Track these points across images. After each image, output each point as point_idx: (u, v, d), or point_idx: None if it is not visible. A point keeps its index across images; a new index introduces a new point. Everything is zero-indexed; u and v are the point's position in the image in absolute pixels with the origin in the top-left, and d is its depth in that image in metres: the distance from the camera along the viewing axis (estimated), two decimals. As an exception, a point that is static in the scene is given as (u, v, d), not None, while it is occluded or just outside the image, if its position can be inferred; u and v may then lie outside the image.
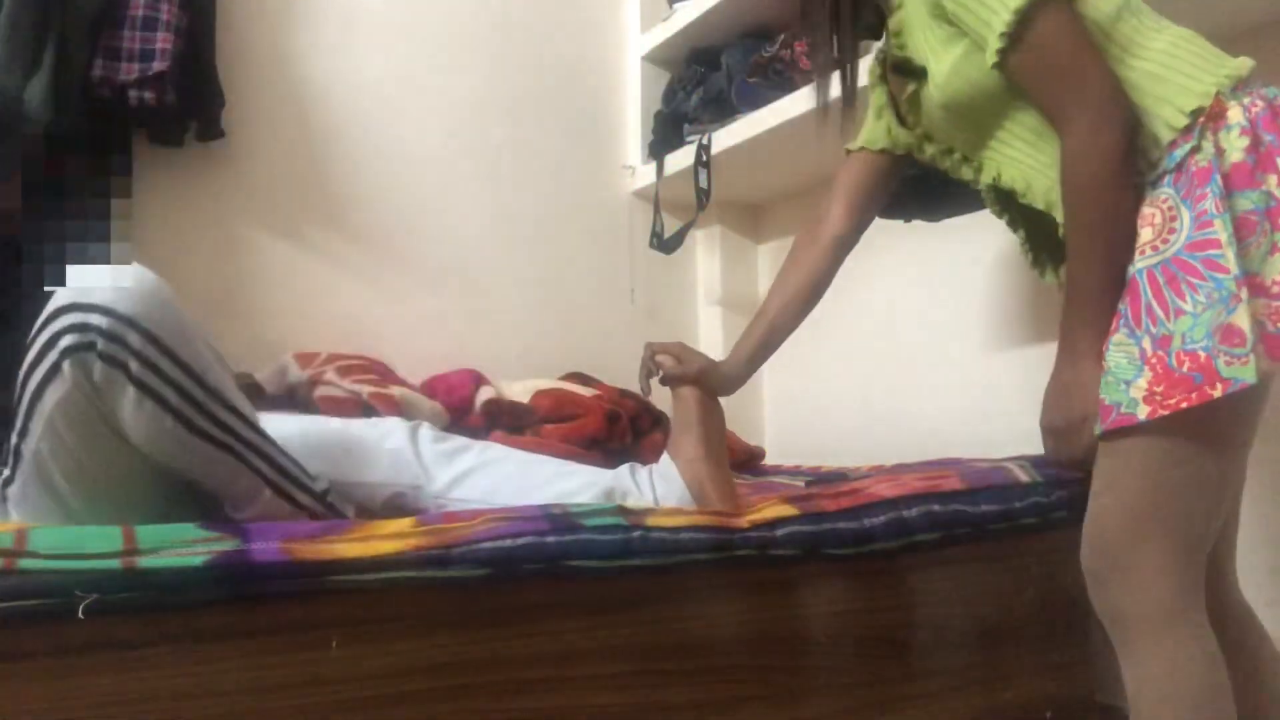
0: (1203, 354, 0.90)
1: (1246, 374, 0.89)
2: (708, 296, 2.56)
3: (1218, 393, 0.89)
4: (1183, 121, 0.97)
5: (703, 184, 2.15)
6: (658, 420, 1.98)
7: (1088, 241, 1.00)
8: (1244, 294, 0.90)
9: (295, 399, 1.76)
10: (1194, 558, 0.95)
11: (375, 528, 0.99)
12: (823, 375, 2.29)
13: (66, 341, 0.93)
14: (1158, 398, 0.91)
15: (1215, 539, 1.05)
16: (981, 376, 1.90)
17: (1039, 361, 1.57)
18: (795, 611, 1.18)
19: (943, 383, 1.99)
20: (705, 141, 2.14)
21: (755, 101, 2.05)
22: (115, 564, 0.86)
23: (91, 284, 0.95)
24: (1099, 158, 0.97)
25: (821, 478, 1.70)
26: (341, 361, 1.82)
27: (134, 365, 0.94)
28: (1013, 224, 1.20)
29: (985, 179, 1.16)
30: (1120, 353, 0.95)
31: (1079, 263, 1.01)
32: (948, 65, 1.08)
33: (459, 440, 1.30)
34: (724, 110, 2.17)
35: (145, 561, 0.87)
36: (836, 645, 1.20)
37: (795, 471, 1.93)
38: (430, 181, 2.25)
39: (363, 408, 1.70)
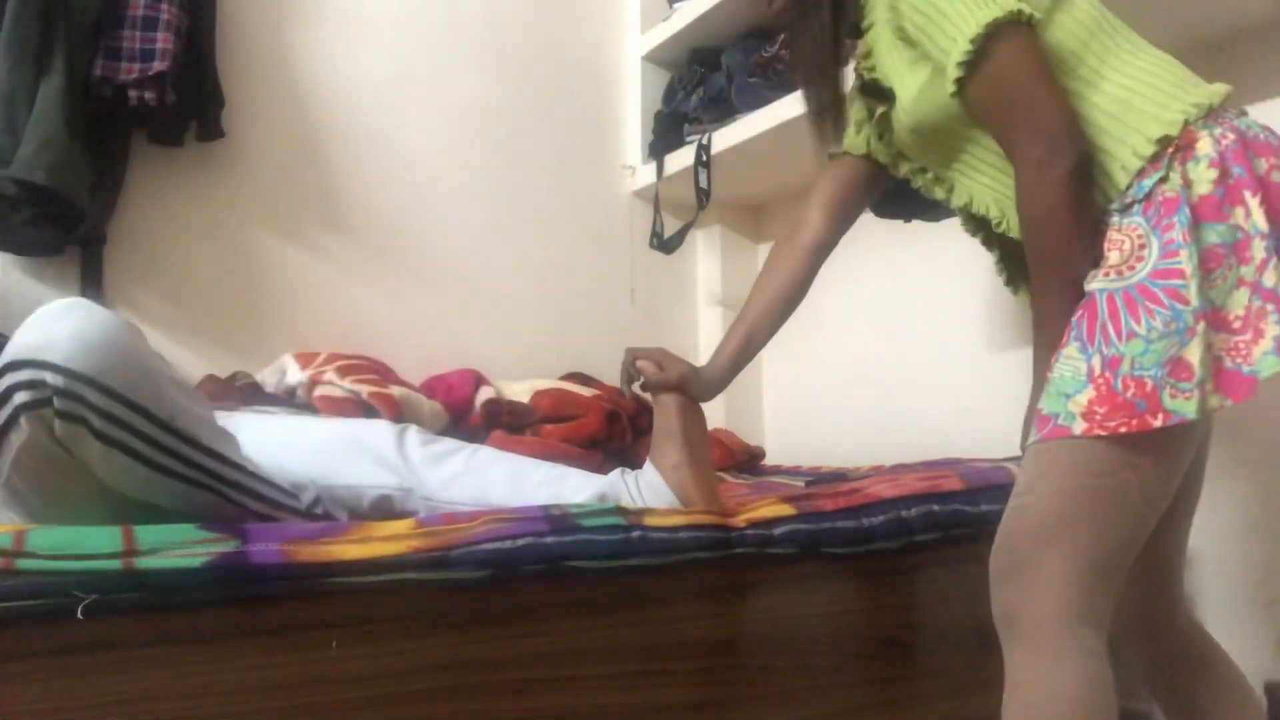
0: (1149, 382, 0.89)
1: (1188, 409, 0.88)
2: (707, 297, 2.56)
3: (1157, 423, 0.88)
4: (1150, 150, 0.96)
5: (703, 184, 2.15)
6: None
7: (1047, 270, 0.99)
8: (1200, 328, 0.89)
9: (295, 399, 1.76)
10: (1100, 576, 0.93)
11: (374, 529, 1.00)
12: (822, 375, 2.29)
13: (21, 398, 0.91)
14: (1097, 417, 0.90)
15: (1152, 566, 1.05)
16: (982, 376, 1.90)
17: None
18: (794, 611, 1.18)
19: (943, 382, 1.99)
20: (705, 141, 2.14)
21: (755, 102, 2.05)
22: (115, 564, 0.86)
23: (45, 334, 0.92)
24: (1051, 189, 0.96)
25: (821, 478, 1.70)
26: (341, 361, 1.82)
27: (96, 421, 0.93)
28: (987, 244, 1.19)
29: (957, 201, 1.15)
30: (1067, 366, 0.94)
31: (1041, 290, 1.00)
32: (914, 89, 1.07)
33: (448, 443, 1.30)
34: (724, 110, 2.17)
35: (144, 562, 0.87)
36: (836, 645, 1.20)
37: (795, 471, 1.93)
38: (430, 181, 2.25)
39: (362, 408, 1.70)
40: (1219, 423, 1.07)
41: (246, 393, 1.74)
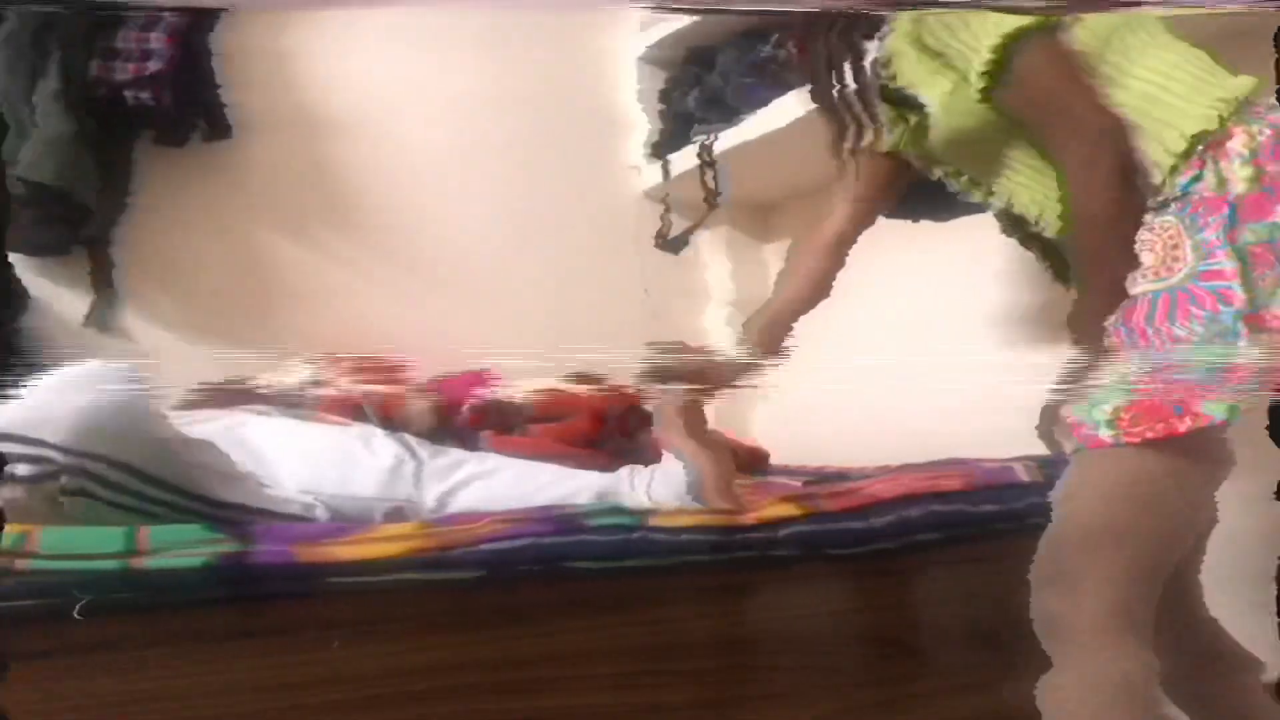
0: (1186, 386, 0.89)
1: (1218, 411, 0.88)
2: (716, 297, 2.56)
3: (1184, 427, 0.88)
4: (1182, 146, 0.94)
5: (710, 184, 2.15)
6: (651, 419, 1.97)
7: (1092, 269, 1.00)
8: (1246, 329, 0.88)
9: (289, 401, 1.75)
10: (1142, 584, 0.93)
11: (377, 531, 1.00)
12: (824, 374, 2.28)
13: (22, 470, 0.91)
14: (1126, 423, 0.90)
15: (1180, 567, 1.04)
16: (987, 375, 1.89)
17: (1046, 361, 1.56)
18: (796, 611, 1.18)
19: (947, 381, 1.98)
20: (710, 141, 2.14)
21: (753, 102, 2.05)
22: (118, 564, 0.86)
23: (51, 409, 0.92)
24: (1094, 190, 0.96)
25: (821, 477, 1.70)
26: (344, 362, 1.82)
27: (105, 493, 0.94)
28: (1025, 243, 1.18)
29: (998, 203, 1.15)
30: (1106, 371, 0.95)
31: (1084, 290, 1.01)
32: (938, 98, 1.07)
33: (455, 453, 1.31)
34: (726, 110, 2.17)
35: (149, 562, 0.88)
36: (837, 645, 1.20)
37: (794, 471, 1.93)
38: (436, 181, 2.24)
39: (357, 409, 1.69)
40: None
41: (234, 397, 1.72)
